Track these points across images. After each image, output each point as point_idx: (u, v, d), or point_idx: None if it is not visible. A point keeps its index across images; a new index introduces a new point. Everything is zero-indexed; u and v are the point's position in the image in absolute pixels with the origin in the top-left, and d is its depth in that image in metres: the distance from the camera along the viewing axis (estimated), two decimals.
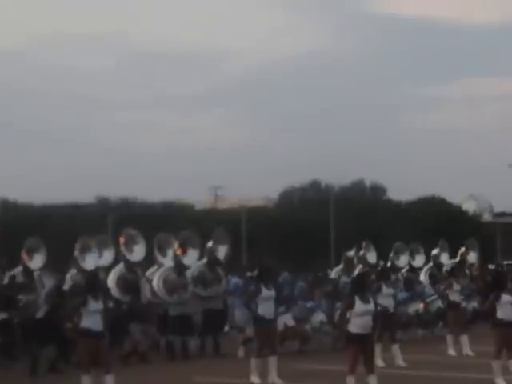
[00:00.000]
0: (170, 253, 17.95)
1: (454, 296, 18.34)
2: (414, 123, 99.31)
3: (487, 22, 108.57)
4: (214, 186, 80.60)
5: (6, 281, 16.89)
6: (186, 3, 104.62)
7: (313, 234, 62.92)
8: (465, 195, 76.91)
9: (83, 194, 69.81)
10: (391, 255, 21.64)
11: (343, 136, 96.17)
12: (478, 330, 19.62)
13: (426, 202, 72.41)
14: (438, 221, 62.81)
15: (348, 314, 12.30)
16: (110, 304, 15.12)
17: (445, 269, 21.61)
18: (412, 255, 21.91)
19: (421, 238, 27.70)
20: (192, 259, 18.06)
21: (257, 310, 14.51)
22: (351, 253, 21.37)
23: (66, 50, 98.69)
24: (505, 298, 14.03)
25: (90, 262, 17.12)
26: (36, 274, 17.03)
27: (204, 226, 31.93)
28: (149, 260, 18.53)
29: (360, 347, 12.21)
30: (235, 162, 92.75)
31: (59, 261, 18.14)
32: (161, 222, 48.20)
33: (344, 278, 19.71)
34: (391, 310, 16.89)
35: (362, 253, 21.26)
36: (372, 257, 21.47)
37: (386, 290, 16.93)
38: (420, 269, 22.19)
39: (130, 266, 17.61)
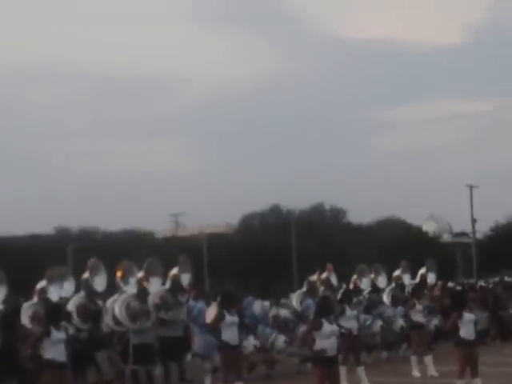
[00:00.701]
0: (132, 281, 17.86)
1: (417, 316, 18.44)
2: (371, 146, 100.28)
3: (438, 44, 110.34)
4: (174, 214, 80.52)
5: None
6: (133, 30, 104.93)
7: (275, 258, 62.99)
8: (424, 216, 77.72)
9: (42, 224, 69.27)
10: (354, 277, 21.73)
11: (302, 160, 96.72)
12: (441, 350, 19.74)
13: (385, 223, 72.99)
14: (398, 242, 63.29)
15: (313, 336, 12.28)
16: (71, 331, 14.95)
17: (407, 289, 21.74)
18: (375, 276, 22.02)
19: (382, 259, 27.88)
20: (155, 287, 17.97)
21: (221, 336, 14.46)
22: (314, 276, 21.41)
23: (14, 81, 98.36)
24: (467, 316, 14.14)
25: (55, 293, 16.97)
26: None
27: (165, 253, 31.81)
28: (110, 289, 18.41)
29: (326, 369, 12.19)
30: (195, 189, 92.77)
31: (16, 292, 17.95)
32: (121, 250, 47.86)
33: (308, 301, 19.72)
34: (355, 332, 16.91)
35: (324, 275, 21.31)
36: (334, 279, 21.52)
37: (349, 312, 16.95)
38: (383, 290, 22.30)
39: (91, 295, 17.49)
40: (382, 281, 22.21)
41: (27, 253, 57.28)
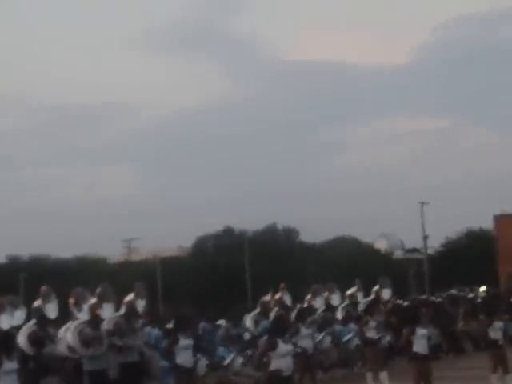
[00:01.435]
0: (85, 307, 17.69)
1: (371, 333, 18.57)
2: (322, 165, 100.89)
3: (386, 65, 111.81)
4: (127, 239, 79.98)
5: None
6: (80, 58, 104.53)
7: (229, 279, 62.90)
8: (376, 234, 78.33)
9: None
10: (308, 296, 21.80)
11: (253, 181, 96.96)
12: (396, 366, 19.86)
13: (338, 242, 73.36)
14: (351, 260, 63.65)
15: (269, 356, 12.28)
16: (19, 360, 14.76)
17: (360, 307, 21.86)
18: (328, 295, 22.11)
19: (335, 277, 28.01)
20: (108, 313, 17.83)
21: (175, 359, 14.41)
22: (267, 297, 21.44)
23: None
24: (419, 331, 14.28)
25: (5, 321, 16.73)
26: None
27: (119, 278, 31.60)
28: (62, 316, 18.22)
29: None
30: (146, 213, 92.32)
31: None
32: (74, 277, 47.46)
33: (263, 323, 19.73)
34: (310, 351, 16.95)
35: (278, 295, 21.35)
36: (288, 299, 21.56)
37: (304, 331, 17.00)
38: (336, 308, 22.40)
39: (43, 323, 17.31)
40: (335, 299, 22.31)
41: None
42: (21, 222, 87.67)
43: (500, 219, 69.69)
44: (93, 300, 17.80)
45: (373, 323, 18.68)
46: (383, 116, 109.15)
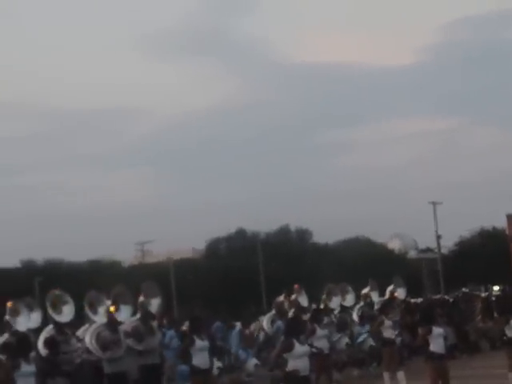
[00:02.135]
0: (101, 310, 17.73)
1: (388, 332, 18.48)
2: (334, 166, 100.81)
3: (394, 65, 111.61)
4: (140, 242, 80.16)
5: None
6: (89, 63, 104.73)
7: (242, 281, 62.91)
8: (389, 234, 78.20)
9: (7, 258, 68.69)
10: (323, 297, 21.77)
11: (265, 183, 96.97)
12: (413, 365, 19.79)
13: (351, 242, 73.25)
14: (364, 260, 63.54)
15: (285, 356, 12.28)
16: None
17: (376, 307, 21.81)
18: (342, 295, 22.08)
19: (349, 278, 27.96)
20: (125, 315, 17.85)
21: (192, 361, 14.41)
22: (281, 298, 21.44)
23: None
24: (436, 330, 14.23)
25: (22, 324, 16.83)
26: None
27: (133, 281, 31.58)
28: (79, 319, 18.27)
29: None
30: (160, 216, 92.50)
31: None
32: (88, 280, 47.55)
33: (278, 323, 19.72)
34: (326, 352, 16.93)
35: (294, 297, 21.33)
36: (304, 300, 21.54)
37: (320, 331, 16.98)
38: (351, 308, 22.37)
39: (60, 327, 17.36)
40: (349, 299, 22.29)
41: None
42: (35, 227, 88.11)
43: None
44: (108, 302, 17.84)
45: (388, 322, 18.61)
46: (394, 116, 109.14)
